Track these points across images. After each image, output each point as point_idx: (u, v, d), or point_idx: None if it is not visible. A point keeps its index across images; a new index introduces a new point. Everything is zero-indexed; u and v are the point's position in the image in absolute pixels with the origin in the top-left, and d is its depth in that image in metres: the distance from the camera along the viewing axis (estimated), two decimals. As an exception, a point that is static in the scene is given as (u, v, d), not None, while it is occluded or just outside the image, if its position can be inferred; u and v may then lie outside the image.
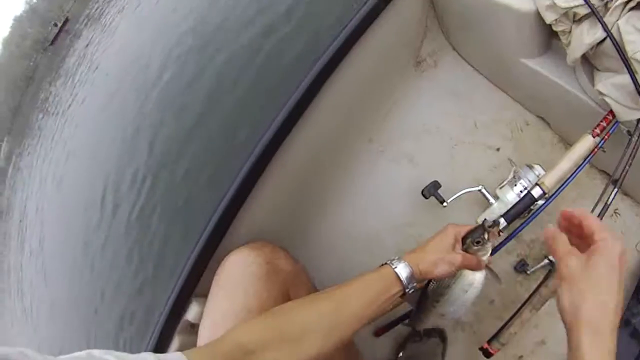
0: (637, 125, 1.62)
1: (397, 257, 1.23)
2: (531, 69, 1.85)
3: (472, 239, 1.31)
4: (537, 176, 1.73)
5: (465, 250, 1.31)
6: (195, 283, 1.55)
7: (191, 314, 1.57)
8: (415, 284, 1.22)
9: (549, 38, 1.82)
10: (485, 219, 1.34)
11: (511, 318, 1.63)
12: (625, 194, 2.03)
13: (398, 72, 2.13)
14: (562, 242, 1.04)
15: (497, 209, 1.73)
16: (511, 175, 1.83)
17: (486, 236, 1.31)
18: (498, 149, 2.07)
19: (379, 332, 1.92)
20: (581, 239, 1.04)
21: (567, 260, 0.99)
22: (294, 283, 1.43)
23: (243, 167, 1.52)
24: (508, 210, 1.62)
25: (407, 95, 2.09)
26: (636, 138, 1.61)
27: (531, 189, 1.62)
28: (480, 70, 2.14)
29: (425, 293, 1.38)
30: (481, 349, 1.63)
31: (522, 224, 1.66)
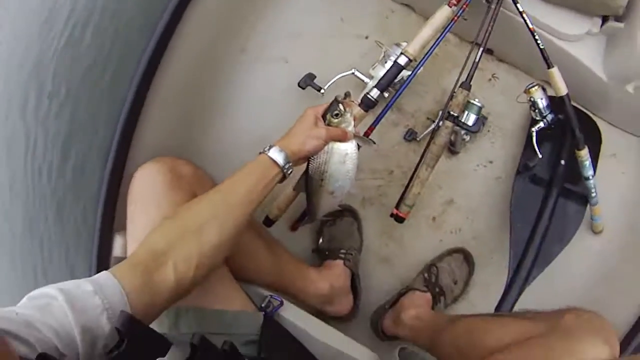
0: (492, -8, 1.72)
1: (268, 145, 1.31)
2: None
3: (330, 113, 1.39)
4: (404, 49, 1.81)
5: (328, 125, 1.39)
6: (112, 217, 1.57)
7: (117, 249, 1.58)
8: (290, 164, 1.30)
9: None
10: (337, 95, 1.41)
11: (410, 179, 1.72)
12: (501, 60, 2.17)
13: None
14: None
15: (372, 86, 1.78)
16: (382, 56, 1.92)
17: (342, 107, 1.39)
18: (367, 37, 2.13)
19: (294, 227, 1.99)
20: None
21: None
22: (198, 185, 1.47)
23: (129, 91, 1.54)
24: (379, 81, 1.71)
25: (274, 2, 2.11)
26: (494, 6, 1.71)
27: (397, 58, 1.71)
28: (340, -31, 2.18)
29: (308, 175, 1.46)
30: (392, 215, 1.73)
31: (396, 92, 1.77)
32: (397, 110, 2.08)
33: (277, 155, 1.28)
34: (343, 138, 1.41)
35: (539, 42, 1.68)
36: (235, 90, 2.07)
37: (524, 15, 1.66)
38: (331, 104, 1.40)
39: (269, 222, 1.82)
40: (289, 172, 1.32)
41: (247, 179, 1.26)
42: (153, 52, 1.56)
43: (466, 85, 1.72)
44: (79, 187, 1.78)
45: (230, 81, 2.05)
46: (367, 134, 1.75)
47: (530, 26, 1.67)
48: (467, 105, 1.89)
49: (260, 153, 1.31)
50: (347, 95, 1.42)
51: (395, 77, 1.72)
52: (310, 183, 1.48)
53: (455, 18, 1.73)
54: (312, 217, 1.62)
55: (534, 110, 1.88)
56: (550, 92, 1.86)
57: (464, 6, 1.73)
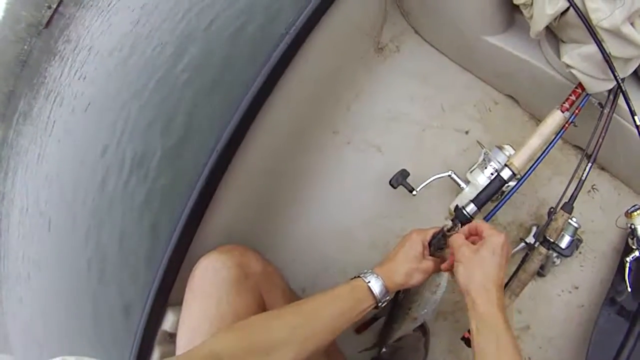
0: (608, 96, 1.57)
1: (369, 270, 1.25)
2: (495, 46, 1.79)
3: (434, 246, 1.34)
4: (507, 157, 1.67)
5: (431, 254, 1.34)
6: (167, 292, 1.51)
7: (168, 323, 1.53)
8: (388, 297, 1.23)
9: (512, 13, 1.77)
10: (444, 225, 1.35)
11: (490, 302, 1.61)
12: (602, 168, 1.98)
13: (360, 60, 2.06)
14: (459, 237, 1.29)
15: (468, 194, 1.67)
16: (481, 158, 1.78)
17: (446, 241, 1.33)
18: (467, 132, 2.01)
19: (360, 329, 1.87)
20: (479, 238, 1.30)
21: (462, 249, 1.24)
22: (266, 285, 1.41)
23: (204, 169, 1.47)
24: (477, 195, 1.59)
25: (371, 83, 2.02)
26: (608, 110, 1.56)
27: (500, 170, 1.58)
28: (445, 52, 2.08)
29: (397, 303, 1.44)
30: (463, 338, 1.63)
31: (494, 207, 1.62)
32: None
33: (376, 285, 1.22)
34: (444, 268, 1.35)
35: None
36: (320, 175, 1.97)
37: (640, 129, 1.49)
38: (438, 235, 1.35)
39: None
40: (383, 305, 1.25)
41: (336, 305, 1.19)
42: (236, 127, 1.48)
43: (568, 208, 1.56)
44: (150, 249, 1.74)
45: (315, 165, 1.96)
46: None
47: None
48: (562, 225, 1.71)
49: (356, 277, 1.25)
50: (455, 225, 1.35)
51: (496, 193, 1.58)
52: (396, 310, 1.47)
53: (567, 125, 1.60)
54: (383, 342, 1.61)
55: (632, 238, 1.70)
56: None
57: (577, 111, 1.60)
